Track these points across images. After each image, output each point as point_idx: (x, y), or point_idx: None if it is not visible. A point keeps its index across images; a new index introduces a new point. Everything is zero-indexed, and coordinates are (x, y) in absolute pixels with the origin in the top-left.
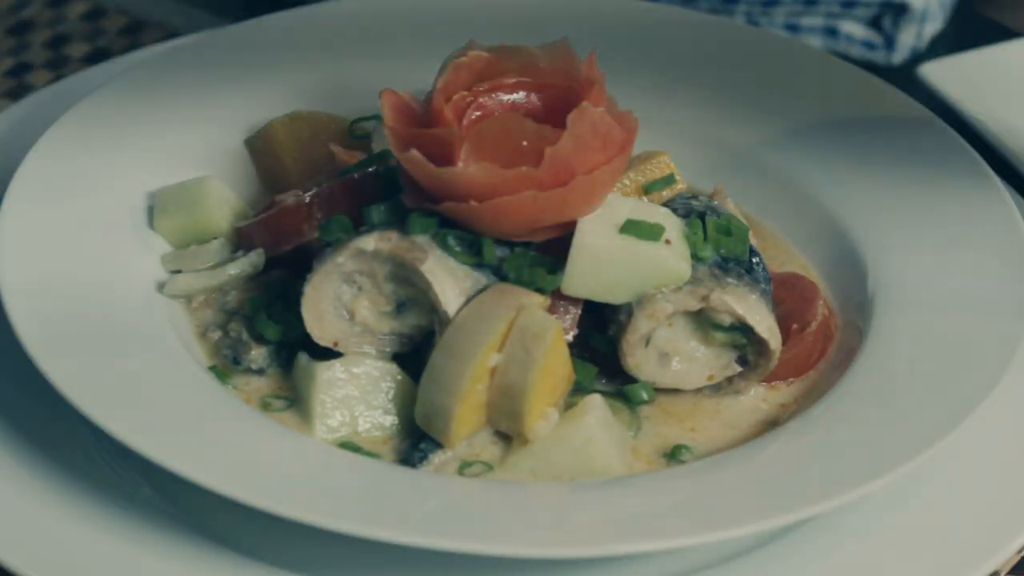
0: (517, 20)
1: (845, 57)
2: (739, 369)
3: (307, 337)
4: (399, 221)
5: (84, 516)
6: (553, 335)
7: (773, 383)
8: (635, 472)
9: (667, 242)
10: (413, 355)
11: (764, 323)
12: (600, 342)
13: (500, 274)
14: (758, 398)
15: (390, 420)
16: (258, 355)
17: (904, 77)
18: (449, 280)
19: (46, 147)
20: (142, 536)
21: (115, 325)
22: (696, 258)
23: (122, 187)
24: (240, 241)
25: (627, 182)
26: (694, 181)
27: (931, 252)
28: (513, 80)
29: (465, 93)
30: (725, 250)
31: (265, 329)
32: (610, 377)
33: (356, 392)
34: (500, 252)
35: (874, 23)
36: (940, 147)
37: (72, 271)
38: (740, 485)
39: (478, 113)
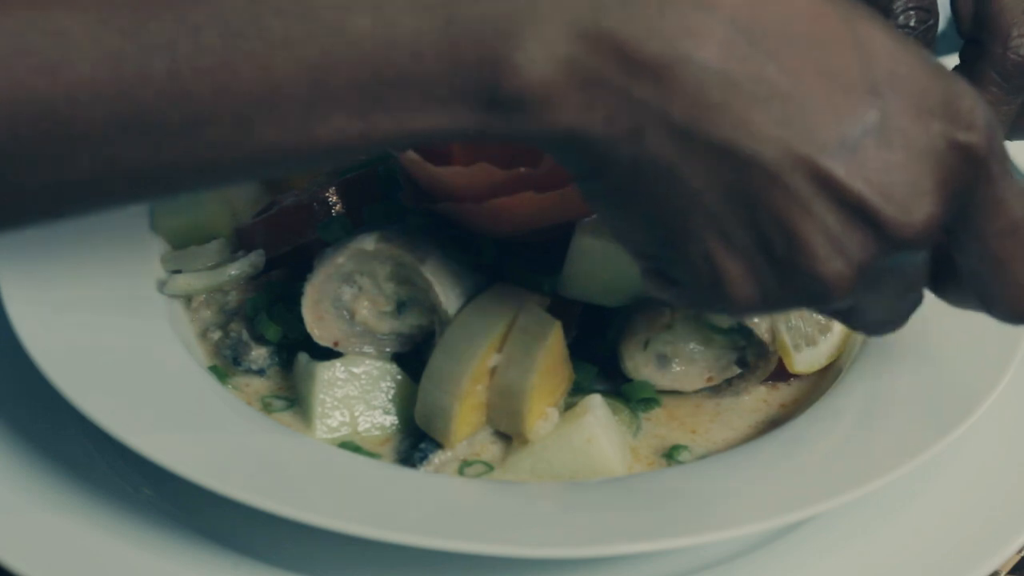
0: None
1: None
2: (739, 371)
3: (307, 337)
4: (399, 221)
5: (84, 516)
6: (553, 335)
7: (773, 383)
8: (635, 472)
9: None
10: (413, 355)
11: (763, 325)
12: (599, 344)
13: (500, 274)
14: (758, 398)
15: (390, 420)
16: (258, 355)
17: None
18: (449, 280)
19: None
20: (142, 536)
21: (115, 325)
22: None
23: None
24: (240, 241)
25: None
26: None
27: None
28: None
29: None
30: None
31: (265, 330)
32: (610, 377)
33: (356, 392)
34: (499, 252)
35: None
36: None
37: (72, 271)
38: (740, 485)
39: None
